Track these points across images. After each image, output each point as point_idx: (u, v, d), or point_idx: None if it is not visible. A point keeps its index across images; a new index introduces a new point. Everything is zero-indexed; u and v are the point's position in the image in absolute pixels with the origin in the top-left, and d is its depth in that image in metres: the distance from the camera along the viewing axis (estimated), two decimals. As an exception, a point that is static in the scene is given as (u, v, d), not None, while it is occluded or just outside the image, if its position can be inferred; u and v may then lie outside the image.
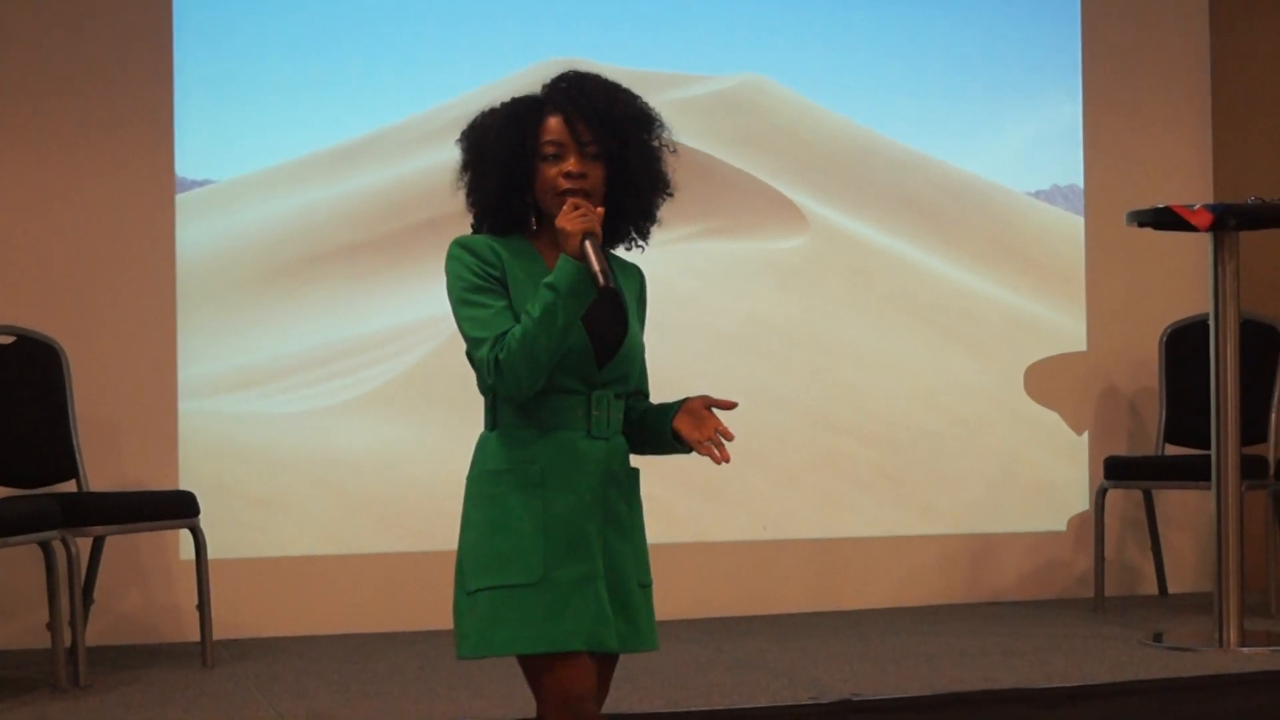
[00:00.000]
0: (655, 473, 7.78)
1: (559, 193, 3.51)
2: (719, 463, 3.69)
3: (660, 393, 7.69)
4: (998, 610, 7.79)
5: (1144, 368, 8.26)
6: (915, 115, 8.16)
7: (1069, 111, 8.39)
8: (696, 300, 7.78)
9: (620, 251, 3.77)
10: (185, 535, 6.71)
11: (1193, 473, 7.31)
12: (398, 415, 7.41)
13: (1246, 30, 8.61)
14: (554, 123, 3.54)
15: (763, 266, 7.87)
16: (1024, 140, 8.36)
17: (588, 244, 3.41)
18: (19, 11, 7.06)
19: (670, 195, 3.72)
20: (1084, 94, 8.38)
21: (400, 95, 7.54)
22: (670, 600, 7.64)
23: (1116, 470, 7.68)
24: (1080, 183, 8.37)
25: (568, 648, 3.44)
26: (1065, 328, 8.27)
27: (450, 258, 3.60)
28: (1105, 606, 7.64)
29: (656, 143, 3.66)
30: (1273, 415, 7.66)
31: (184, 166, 7.22)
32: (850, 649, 6.68)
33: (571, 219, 3.42)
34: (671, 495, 7.63)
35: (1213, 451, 6.60)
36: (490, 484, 3.56)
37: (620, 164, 3.58)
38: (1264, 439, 7.60)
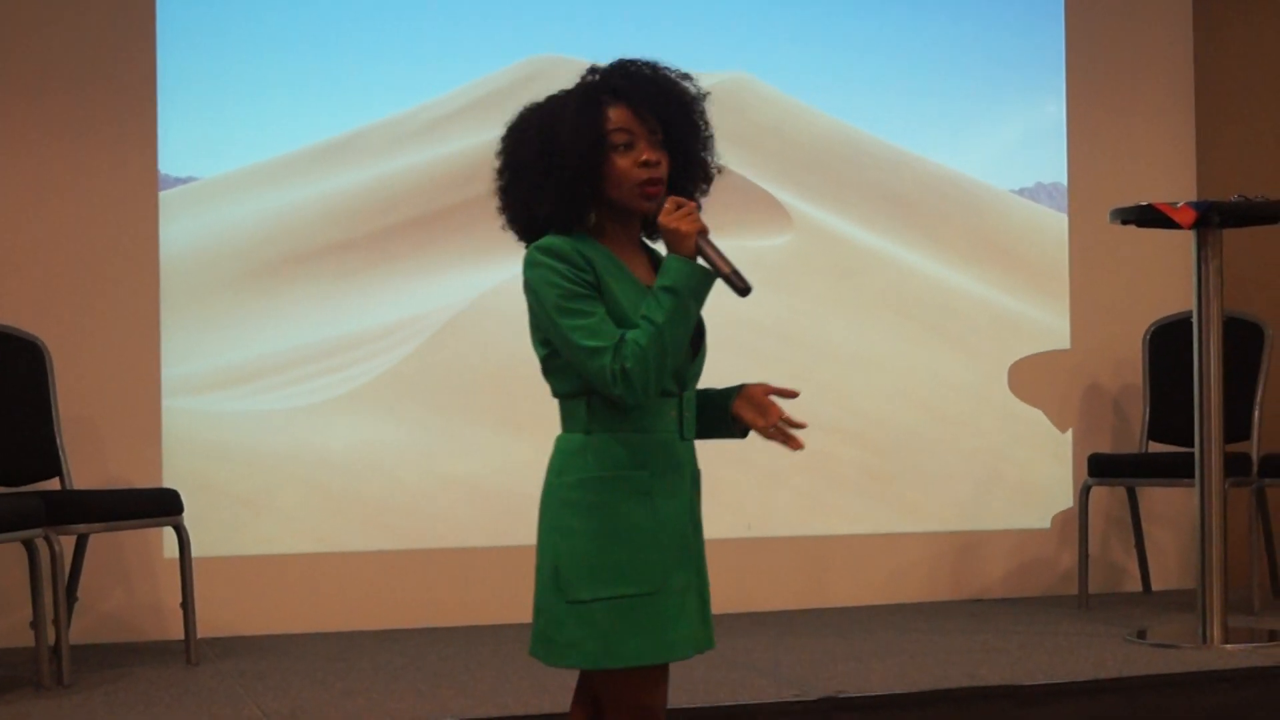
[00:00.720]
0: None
1: (639, 183, 3.43)
2: (795, 449, 3.62)
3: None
4: (982, 608, 7.80)
5: (1128, 365, 8.27)
6: (900, 113, 8.17)
7: (1053, 110, 8.40)
8: (681, 298, 7.77)
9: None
10: (169, 533, 6.70)
11: (1176, 470, 7.32)
12: (381, 414, 7.41)
13: (1230, 29, 8.62)
14: (620, 112, 3.42)
15: (747, 265, 7.84)
16: (1009, 138, 8.37)
17: (710, 244, 3.41)
18: (1, 11, 7.04)
19: (714, 177, 3.62)
20: (1068, 92, 8.39)
21: (384, 93, 7.53)
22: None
23: (1100, 468, 7.69)
24: (1064, 180, 8.39)
25: (683, 656, 3.46)
26: (1049, 325, 8.28)
27: (535, 265, 3.41)
28: (1089, 604, 7.65)
29: (707, 130, 3.57)
30: (1256, 413, 7.67)
31: (168, 164, 7.21)
32: (835, 647, 6.69)
33: (681, 219, 3.39)
34: (656, 493, 7.63)
35: (1196, 449, 6.60)
36: (597, 491, 3.45)
37: (680, 150, 3.51)
38: (1247, 436, 7.62)
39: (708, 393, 3.66)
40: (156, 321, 7.14)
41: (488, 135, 7.89)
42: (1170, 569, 8.35)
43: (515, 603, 7.51)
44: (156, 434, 7.12)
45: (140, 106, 7.17)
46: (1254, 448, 7.58)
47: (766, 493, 7.82)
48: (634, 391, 3.33)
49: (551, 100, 3.51)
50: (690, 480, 3.55)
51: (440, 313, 7.49)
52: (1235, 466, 7.17)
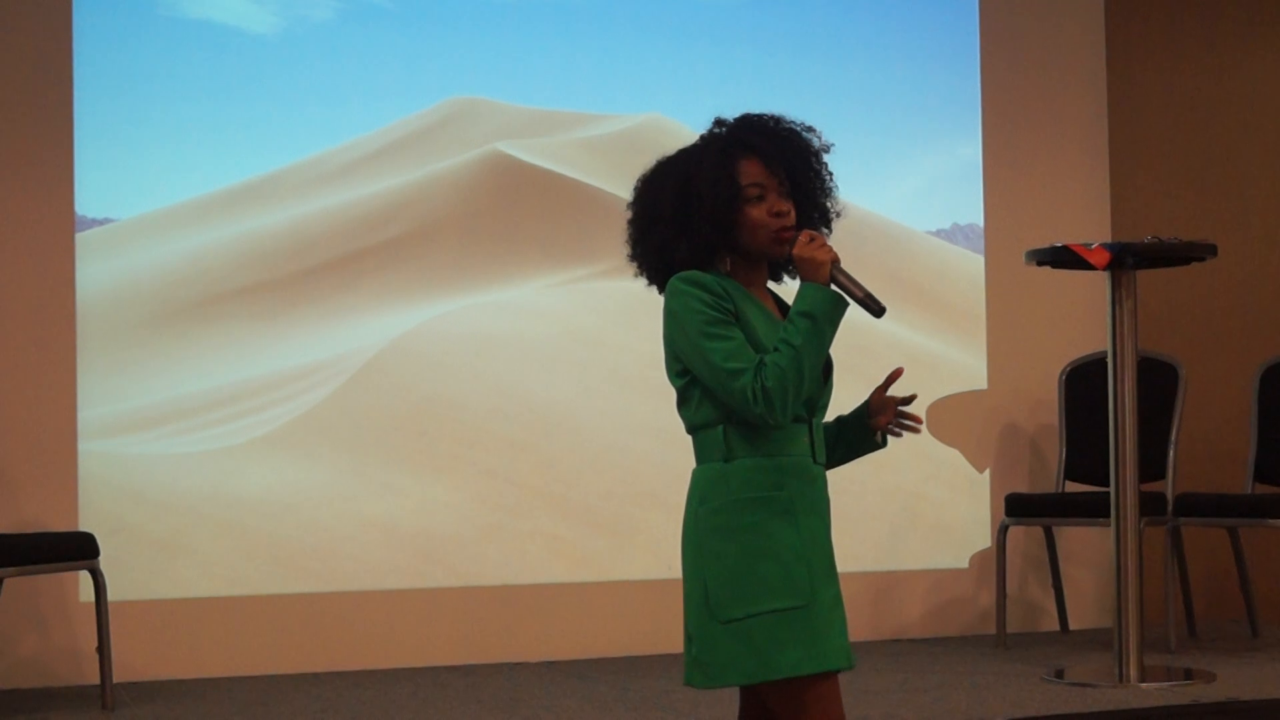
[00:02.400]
0: (560, 512, 7.81)
1: (774, 231, 3.60)
2: (917, 431, 3.87)
3: (561, 433, 7.71)
4: (901, 647, 7.82)
5: (1044, 405, 8.33)
6: (816, 155, 8.19)
7: (969, 152, 8.46)
8: (600, 339, 7.79)
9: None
10: (85, 577, 6.65)
11: (1093, 510, 7.37)
12: (299, 456, 7.38)
13: (1142, 72, 8.70)
14: (753, 165, 3.63)
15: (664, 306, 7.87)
16: (925, 180, 8.42)
17: (843, 271, 3.56)
18: (-84, 49, 7.01)
19: (833, 220, 3.79)
20: (984, 134, 8.45)
21: (301, 135, 7.53)
22: (576, 639, 7.66)
23: (1017, 507, 7.73)
24: (980, 222, 8.44)
25: (840, 665, 3.52)
26: (966, 365, 8.32)
27: (679, 294, 3.60)
28: (1007, 643, 7.68)
29: (830, 179, 3.74)
30: (1171, 452, 7.73)
31: (84, 205, 7.18)
32: (754, 687, 6.68)
33: (815, 248, 3.57)
34: (577, 535, 7.63)
35: (1112, 489, 6.65)
36: (743, 513, 3.56)
37: (804, 196, 3.69)
38: (1163, 476, 7.67)
39: (842, 418, 3.85)
40: (73, 363, 7.10)
41: (406, 177, 7.96)
42: (1087, 608, 8.40)
43: (433, 645, 7.51)
44: (72, 477, 7.07)
45: (57, 148, 7.13)
46: (1169, 487, 7.64)
47: (686, 534, 7.82)
48: (773, 411, 3.50)
49: (685, 154, 3.72)
50: (826, 501, 3.68)
51: (358, 355, 7.48)
52: (1151, 506, 7.22)
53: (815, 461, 3.65)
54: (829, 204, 3.74)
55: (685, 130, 7.97)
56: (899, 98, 8.37)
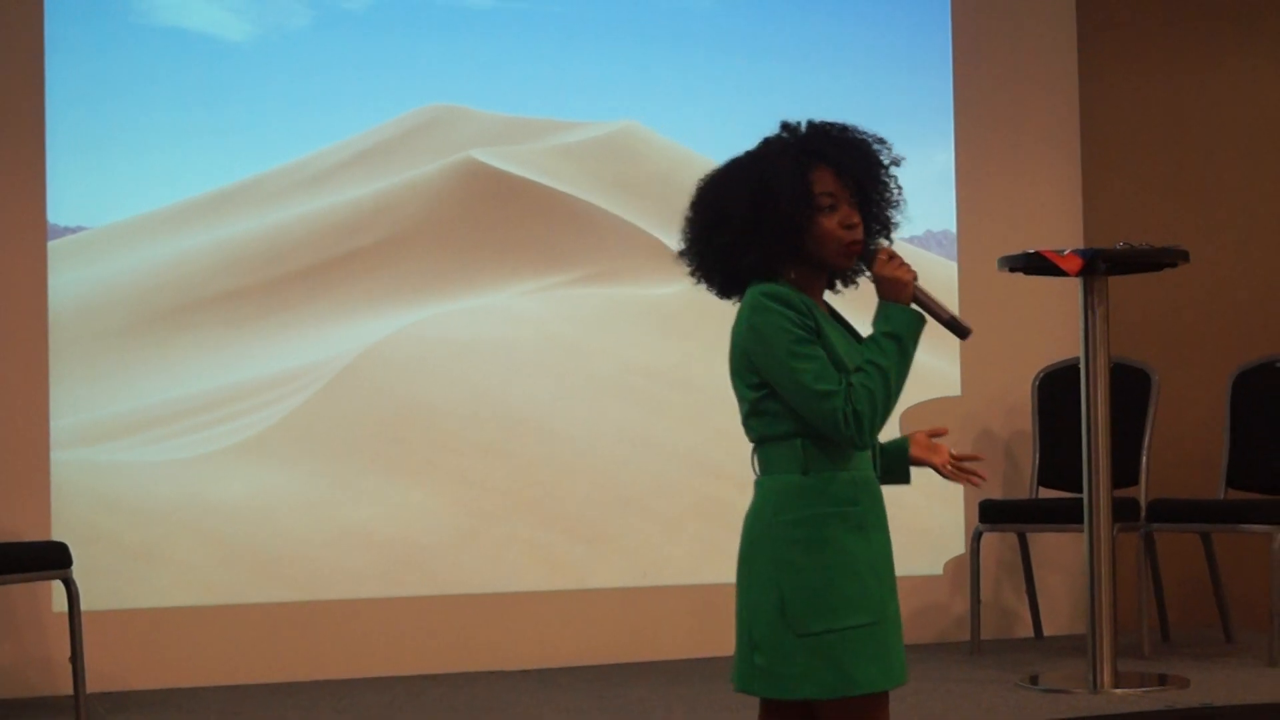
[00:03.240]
0: (536, 518, 7.80)
1: (844, 243, 3.62)
2: (978, 484, 3.95)
3: (537, 439, 7.69)
4: (875, 654, 7.81)
5: (1017, 411, 8.34)
6: (791, 162, 8.20)
7: (942, 158, 8.48)
8: (575, 346, 7.79)
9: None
10: (58, 587, 6.64)
11: (1066, 516, 7.38)
12: (273, 464, 7.37)
13: (1114, 78, 8.72)
14: (825, 175, 3.64)
15: (641, 312, 7.89)
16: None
17: (924, 291, 3.63)
18: (-112, 58, 6.99)
19: (893, 230, 3.80)
20: (956, 142, 8.47)
21: (275, 142, 7.52)
22: (552, 647, 7.65)
23: (991, 514, 7.74)
24: (954, 229, 8.45)
25: (902, 681, 3.60)
26: (939, 371, 8.33)
27: (763, 310, 3.62)
28: (982, 649, 7.69)
29: (897, 188, 3.75)
30: (1144, 458, 7.75)
31: (56, 214, 7.16)
32: (730, 695, 6.67)
33: (896, 268, 3.62)
34: (553, 541, 7.63)
35: (1085, 494, 6.66)
36: (820, 527, 3.60)
37: (870, 208, 3.70)
38: (1135, 482, 7.69)
39: (881, 446, 3.87)
40: (45, 372, 7.08)
41: (381, 184, 7.95)
42: (1061, 614, 8.41)
43: (410, 653, 7.50)
44: (45, 486, 7.05)
45: (29, 157, 7.12)
46: (1142, 493, 7.66)
47: (662, 541, 7.83)
48: (863, 433, 3.56)
49: (755, 158, 3.74)
50: (885, 514, 3.74)
51: (334, 361, 7.47)
52: (1124, 512, 7.24)
53: (877, 473, 3.74)
54: (893, 215, 3.75)
55: (660, 138, 8.00)
56: (872, 104, 8.37)
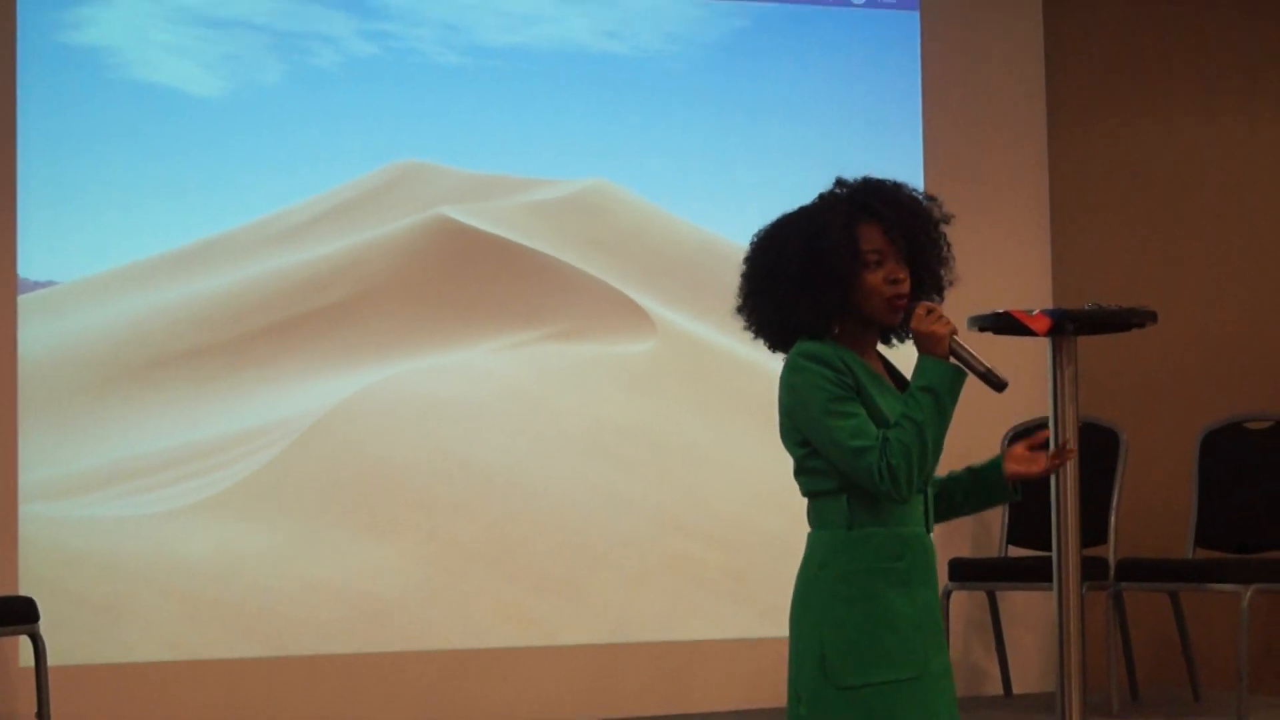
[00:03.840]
0: (506, 575, 7.78)
1: (889, 298, 3.66)
2: (1069, 459, 4.04)
3: (505, 496, 7.67)
4: (844, 712, 7.79)
5: (987, 470, 8.33)
6: (758, 217, 8.15)
7: (912, 217, 8.48)
8: (545, 403, 7.79)
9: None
10: (24, 642, 6.61)
11: (1035, 574, 7.38)
12: (242, 520, 7.35)
13: (1083, 138, 8.77)
14: (873, 231, 3.68)
15: (610, 370, 7.90)
16: (868, 245, 8.43)
17: (961, 345, 3.65)
18: None
19: (945, 288, 3.87)
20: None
21: (246, 198, 7.52)
22: (520, 703, 7.63)
23: (961, 572, 7.74)
24: (924, 287, 8.46)
25: None
26: (909, 430, 8.32)
27: (801, 370, 3.69)
28: (950, 707, 7.67)
29: (947, 247, 3.82)
30: (1112, 517, 7.76)
31: (26, 268, 7.15)
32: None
33: (934, 322, 3.64)
34: (521, 597, 7.61)
35: (1054, 553, 6.66)
36: (862, 583, 3.62)
37: (920, 264, 3.74)
38: (1104, 540, 7.70)
39: (974, 468, 3.96)
40: (14, 426, 7.06)
41: (351, 240, 7.95)
42: (1031, 672, 8.41)
43: (379, 709, 7.47)
44: (13, 540, 7.02)
45: (-1, 210, 7.12)
46: (1111, 552, 7.67)
47: (630, 597, 7.82)
48: (899, 488, 3.57)
49: (806, 214, 3.81)
50: (935, 571, 3.73)
51: (303, 418, 7.46)
52: (1093, 570, 7.25)
53: (928, 530, 3.73)
54: (943, 273, 3.80)
55: (630, 195, 8.02)
56: (841, 161, 8.23)
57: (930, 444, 3.61)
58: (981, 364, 3.67)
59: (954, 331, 3.65)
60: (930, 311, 3.65)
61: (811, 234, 3.73)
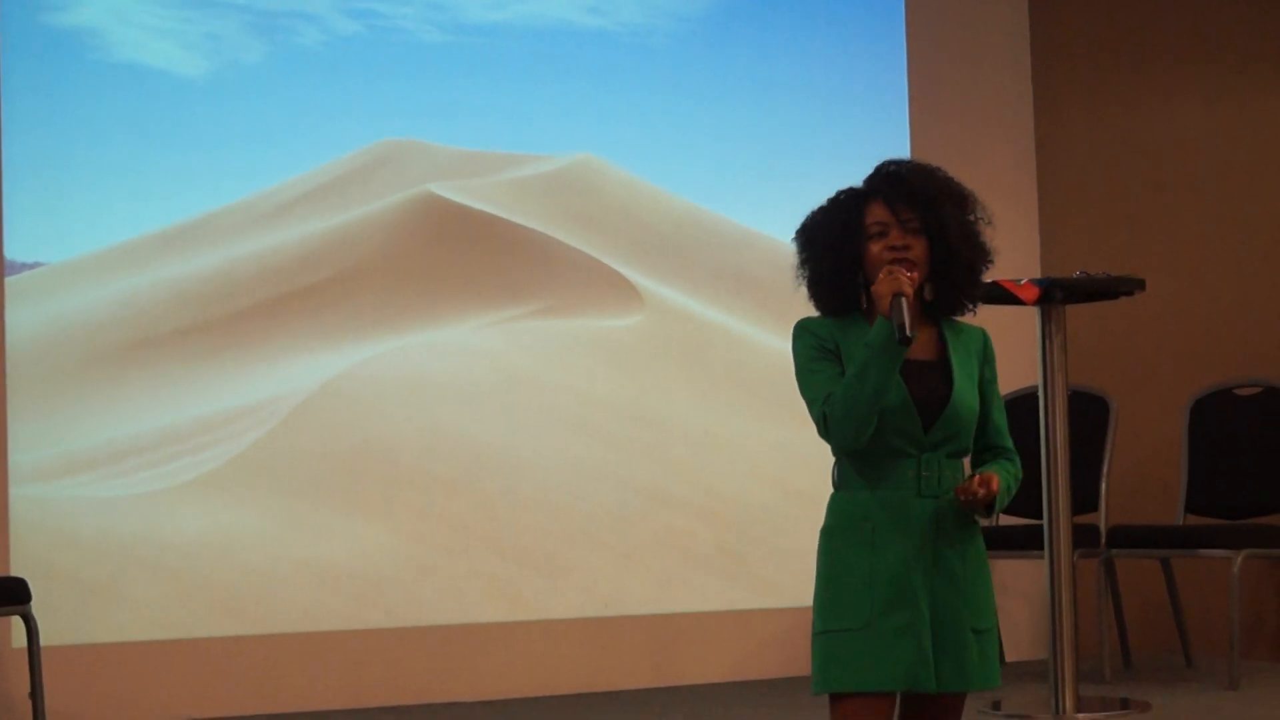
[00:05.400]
0: (495, 552, 7.79)
1: (885, 263, 3.83)
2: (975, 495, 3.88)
3: (495, 472, 7.67)
4: (837, 683, 7.80)
5: (976, 440, 8.35)
6: (748, 194, 8.22)
7: (898, 188, 8.49)
8: (533, 378, 7.79)
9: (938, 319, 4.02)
10: (17, 622, 6.60)
11: (1027, 542, 7.38)
12: (230, 499, 7.34)
13: (1069, 113, 8.77)
14: (876, 206, 3.91)
15: (598, 344, 7.90)
16: (855, 217, 8.44)
17: (900, 301, 3.70)
18: None
19: (991, 263, 4.07)
20: (913, 172, 8.49)
21: (232, 178, 7.51)
22: (512, 679, 7.64)
23: (952, 541, 7.74)
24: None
25: (881, 688, 3.76)
26: (899, 401, 8.33)
27: (794, 339, 3.95)
28: (943, 677, 7.69)
29: (972, 216, 4.01)
30: (1103, 484, 7.77)
31: (13, 249, 7.14)
32: (691, 725, 6.68)
33: (883, 282, 3.75)
34: (512, 574, 7.62)
35: (1045, 521, 6.68)
36: (829, 539, 3.89)
37: (940, 237, 3.88)
38: (1095, 508, 7.71)
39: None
40: (3, 408, 7.05)
41: (337, 219, 7.93)
42: (1023, 640, 8.43)
43: (369, 686, 7.48)
44: (4, 521, 7.01)
45: (-15, 192, 7.11)
46: (1102, 519, 7.68)
47: (621, 571, 7.83)
48: (833, 436, 3.82)
49: (825, 204, 4.08)
50: (932, 533, 3.84)
51: (290, 397, 7.46)
52: (1084, 538, 7.26)
53: (921, 494, 3.83)
54: (975, 241, 4.00)
55: (616, 170, 8.01)
56: (828, 141, 8.40)
57: (862, 397, 3.73)
58: (899, 318, 3.70)
59: (899, 292, 3.72)
60: (891, 274, 3.76)
61: (816, 221, 4.02)
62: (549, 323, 7.82)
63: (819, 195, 7.17)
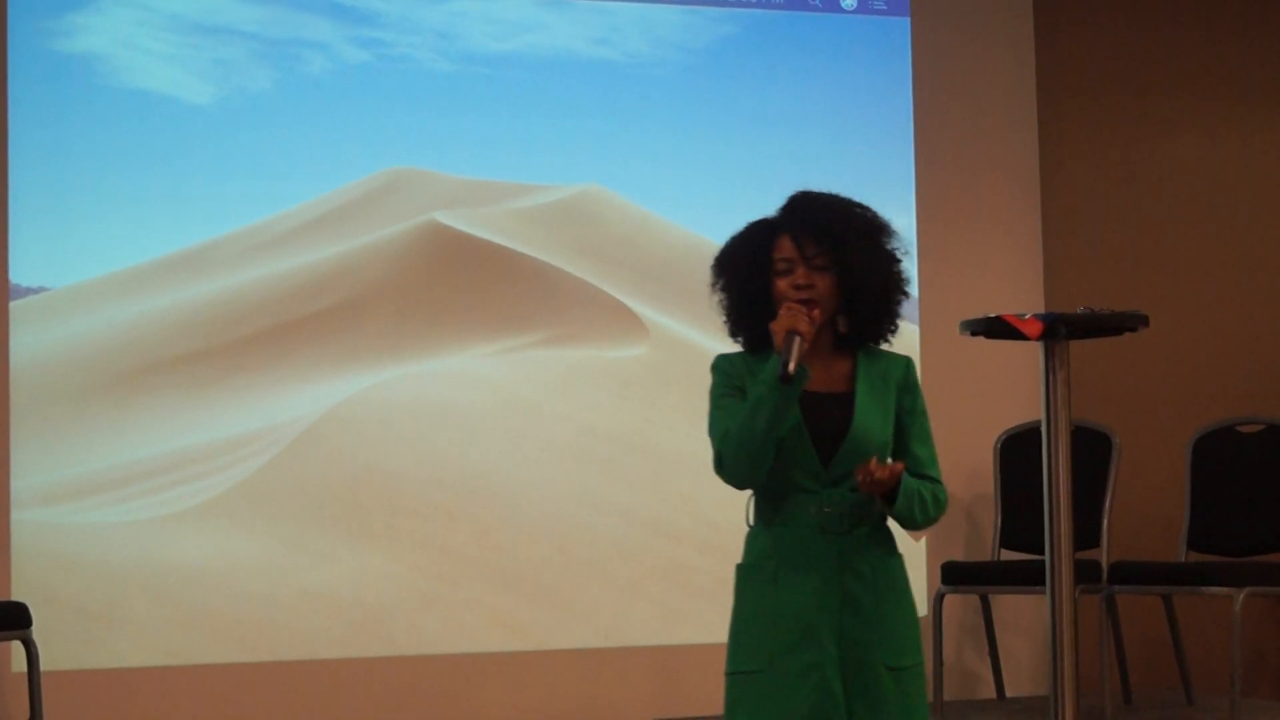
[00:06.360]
0: (496, 581, 7.78)
1: (790, 301, 3.81)
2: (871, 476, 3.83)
3: (497, 502, 7.68)
4: (837, 716, 7.79)
5: (979, 474, 8.35)
6: (753, 225, 8.22)
7: (903, 223, 8.48)
8: (537, 408, 7.79)
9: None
10: (17, 647, 6.60)
11: (1028, 578, 7.38)
12: (233, 526, 7.34)
13: (1073, 146, 8.77)
14: (784, 241, 3.88)
15: (602, 375, 7.90)
16: (860, 250, 8.43)
17: (792, 339, 3.70)
18: None
19: (906, 294, 4.01)
20: (917, 206, 8.50)
21: (238, 205, 7.52)
22: (513, 709, 7.63)
23: (954, 575, 7.74)
24: (915, 292, 8.47)
25: None
26: (902, 435, 8.32)
27: (711, 374, 3.98)
28: (944, 711, 7.68)
29: (886, 248, 3.93)
30: (1105, 520, 7.76)
31: (18, 274, 7.15)
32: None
33: (781, 319, 3.75)
34: (514, 604, 7.61)
35: (1047, 557, 6.66)
36: (739, 578, 3.91)
37: (849, 272, 3.85)
38: (1097, 544, 7.70)
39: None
40: (6, 432, 7.06)
41: (343, 246, 7.94)
42: (1023, 675, 8.41)
43: (369, 715, 7.46)
44: (5, 546, 7.02)
45: (-9, 216, 7.12)
46: (1104, 555, 7.67)
47: (622, 603, 7.82)
48: (726, 472, 3.84)
49: (737, 234, 4.02)
50: (837, 571, 3.82)
51: (294, 424, 7.46)
52: (1085, 574, 7.25)
53: (824, 531, 3.80)
54: (887, 272, 3.92)
55: (621, 200, 8.02)
56: (833, 170, 8.40)
57: (754, 433, 3.73)
58: (785, 355, 3.69)
59: (792, 330, 3.70)
60: (790, 311, 3.75)
61: (727, 253, 3.99)
62: (553, 352, 7.82)
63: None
